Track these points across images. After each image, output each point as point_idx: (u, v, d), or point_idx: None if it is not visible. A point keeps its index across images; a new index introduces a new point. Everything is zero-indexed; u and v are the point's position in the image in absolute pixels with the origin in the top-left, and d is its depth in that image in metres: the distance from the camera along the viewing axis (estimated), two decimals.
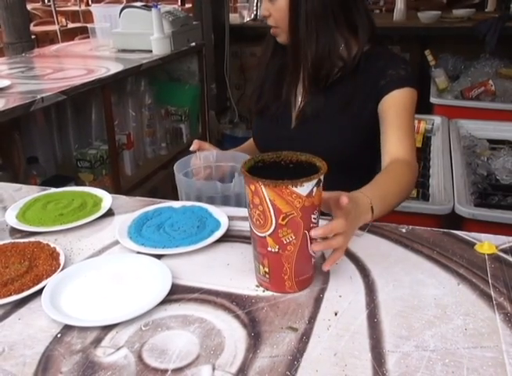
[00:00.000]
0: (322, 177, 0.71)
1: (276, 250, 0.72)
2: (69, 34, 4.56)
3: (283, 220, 0.70)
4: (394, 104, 1.12)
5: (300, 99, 1.21)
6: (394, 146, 1.09)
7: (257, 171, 0.73)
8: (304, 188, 0.69)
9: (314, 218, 0.72)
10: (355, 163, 1.22)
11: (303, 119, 1.19)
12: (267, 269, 0.75)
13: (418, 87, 1.15)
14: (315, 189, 0.70)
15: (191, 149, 1.15)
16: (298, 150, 1.07)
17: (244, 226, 0.94)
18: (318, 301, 0.73)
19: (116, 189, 2.19)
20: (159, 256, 0.85)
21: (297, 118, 1.21)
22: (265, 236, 0.72)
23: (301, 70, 1.17)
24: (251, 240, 0.77)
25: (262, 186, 0.69)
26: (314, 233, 0.73)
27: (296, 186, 0.68)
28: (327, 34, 1.11)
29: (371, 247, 0.87)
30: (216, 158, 1.16)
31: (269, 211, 0.70)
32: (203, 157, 1.14)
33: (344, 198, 0.74)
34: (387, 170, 1.04)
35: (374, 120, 1.15)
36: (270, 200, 0.69)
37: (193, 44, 2.79)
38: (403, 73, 1.13)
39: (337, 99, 1.15)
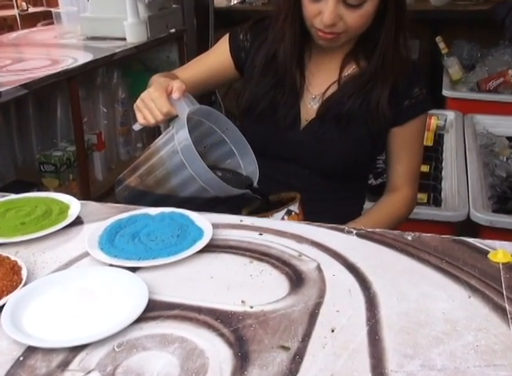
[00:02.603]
0: (292, 207, 1.07)
1: None
2: (30, 20, 4.57)
3: None
4: (413, 133, 1.25)
5: (315, 95, 1.23)
6: (401, 177, 1.27)
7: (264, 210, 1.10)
8: (276, 217, 1.06)
9: None
10: (355, 172, 1.28)
11: (321, 116, 1.20)
12: None
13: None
14: (286, 217, 1.06)
15: (174, 97, 1.07)
16: (305, 155, 1.23)
17: (230, 235, 0.96)
18: (313, 317, 0.75)
19: (85, 196, 2.20)
20: (134, 269, 0.86)
21: (318, 114, 1.21)
22: None
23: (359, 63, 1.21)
24: None
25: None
26: None
27: (269, 216, 1.07)
28: (404, 34, 1.17)
29: (372, 257, 0.89)
30: (193, 111, 1.10)
31: None
32: (189, 111, 1.07)
33: None
34: (385, 204, 1.28)
35: (386, 135, 1.24)
36: None
37: (173, 30, 2.82)
38: (424, 91, 1.21)
39: (362, 104, 1.19)
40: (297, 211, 1.09)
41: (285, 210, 1.06)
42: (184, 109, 1.07)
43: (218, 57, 1.33)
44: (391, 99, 1.18)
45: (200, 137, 1.16)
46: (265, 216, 1.06)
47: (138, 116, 1.11)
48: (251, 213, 1.11)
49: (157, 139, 1.13)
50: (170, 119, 1.10)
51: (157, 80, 1.20)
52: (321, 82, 1.23)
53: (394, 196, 1.28)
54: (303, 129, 1.23)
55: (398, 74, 1.18)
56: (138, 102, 1.11)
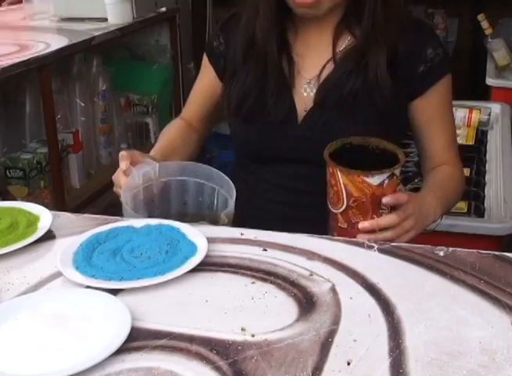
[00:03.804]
0: (396, 171, 1.03)
1: (345, 226, 1.06)
2: None
3: (353, 203, 1.03)
4: (440, 102, 1.25)
5: (309, 79, 1.24)
6: (441, 153, 1.28)
7: (344, 153, 1.09)
8: (375, 179, 1.01)
9: (384, 205, 1.04)
10: None
11: (321, 103, 1.21)
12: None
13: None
14: (386, 181, 1.02)
15: (122, 167, 1.13)
16: (309, 151, 1.24)
17: (228, 251, 0.98)
18: (325, 348, 0.76)
19: (59, 206, 2.21)
20: (115, 291, 0.88)
21: (316, 101, 1.22)
22: (336, 213, 1.06)
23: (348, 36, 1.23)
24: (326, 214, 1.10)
25: (338, 172, 1.03)
26: (361, 225, 1.03)
27: (367, 176, 1.01)
28: None
29: (397, 276, 0.90)
30: (158, 172, 1.16)
31: (342, 193, 1.03)
32: (143, 174, 1.13)
33: (388, 199, 1.02)
34: (441, 172, 1.26)
35: (400, 111, 1.24)
36: (343, 184, 1.02)
37: (163, 9, 2.83)
38: (441, 51, 1.22)
39: (363, 81, 1.19)
40: (398, 176, 1.06)
41: (389, 173, 1.02)
42: (131, 180, 1.12)
43: (205, 79, 1.38)
44: (396, 67, 1.18)
45: (179, 194, 1.19)
46: (361, 175, 1.01)
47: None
48: (334, 156, 1.06)
49: None
50: None
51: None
52: (314, 63, 1.24)
53: (444, 167, 1.27)
54: (302, 122, 1.24)
55: (396, 35, 1.19)
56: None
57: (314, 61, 1.25)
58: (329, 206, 1.09)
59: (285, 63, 1.24)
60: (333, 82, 1.21)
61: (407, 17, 1.25)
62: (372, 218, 1.04)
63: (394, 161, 1.06)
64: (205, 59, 1.37)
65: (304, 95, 1.24)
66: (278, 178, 1.25)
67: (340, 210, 1.05)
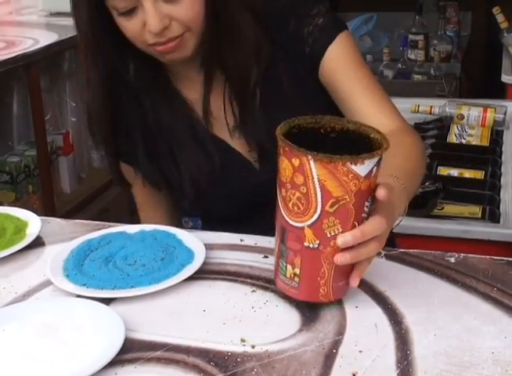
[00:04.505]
0: (384, 153, 0.81)
1: (316, 245, 0.81)
2: None
3: (331, 207, 0.79)
4: (339, 64, 1.17)
5: (231, 124, 1.19)
6: (372, 117, 1.12)
7: (292, 138, 0.81)
8: (365, 167, 0.78)
9: (366, 207, 0.82)
10: None
11: (257, 139, 1.17)
12: (297, 271, 0.83)
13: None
14: (375, 169, 0.80)
15: None
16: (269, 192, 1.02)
17: (227, 258, 0.98)
18: (329, 359, 0.77)
19: (48, 212, 2.22)
20: (107, 301, 0.88)
21: (251, 142, 1.18)
22: (302, 227, 0.81)
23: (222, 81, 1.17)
24: (276, 232, 0.86)
25: (312, 162, 0.77)
26: (341, 240, 0.80)
27: (355, 164, 0.77)
28: (254, 20, 1.13)
29: (405, 284, 0.91)
30: None
31: (315, 195, 0.79)
32: None
33: (382, 191, 0.81)
34: (395, 149, 0.97)
35: (324, 97, 1.20)
36: (319, 181, 0.78)
37: None
38: (321, 21, 1.17)
39: (274, 97, 1.16)
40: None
41: (379, 156, 0.80)
42: None
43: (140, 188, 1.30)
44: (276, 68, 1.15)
45: None
46: (348, 162, 0.77)
47: None
48: (299, 138, 0.82)
49: None
50: None
51: None
52: (220, 106, 1.18)
53: (396, 139, 0.99)
54: (257, 161, 1.20)
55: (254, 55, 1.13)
56: None
57: (219, 104, 1.18)
58: (288, 219, 0.82)
59: (196, 125, 1.19)
60: (246, 123, 1.17)
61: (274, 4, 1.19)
62: (353, 226, 0.80)
63: (360, 144, 0.84)
64: (125, 168, 1.27)
65: (240, 140, 1.19)
66: (264, 218, 1.21)
67: (310, 221, 0.80)
